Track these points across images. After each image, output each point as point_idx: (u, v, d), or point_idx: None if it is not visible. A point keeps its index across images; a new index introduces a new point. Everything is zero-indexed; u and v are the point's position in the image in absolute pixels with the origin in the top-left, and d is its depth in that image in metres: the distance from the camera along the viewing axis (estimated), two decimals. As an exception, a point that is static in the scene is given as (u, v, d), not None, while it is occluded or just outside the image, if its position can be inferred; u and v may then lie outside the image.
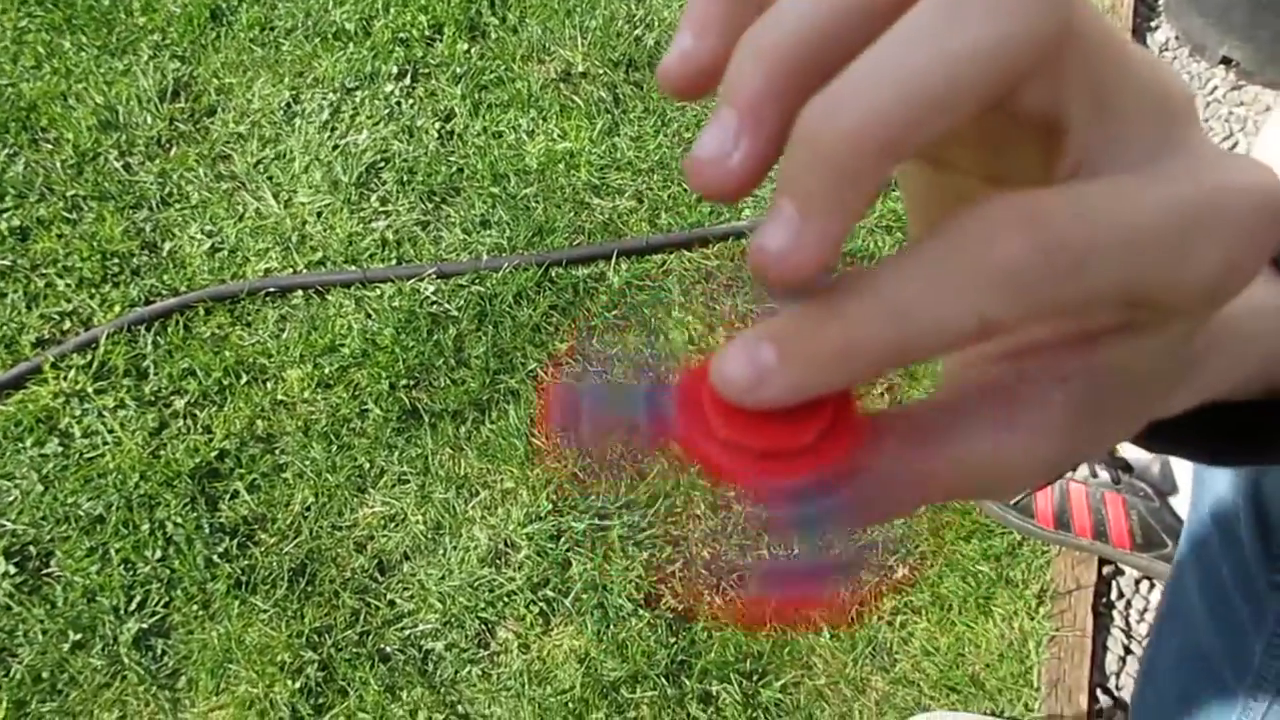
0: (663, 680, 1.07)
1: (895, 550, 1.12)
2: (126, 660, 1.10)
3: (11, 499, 1.18)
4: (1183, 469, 1.04)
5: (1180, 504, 1.02)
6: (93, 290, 1.33)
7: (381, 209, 1.37)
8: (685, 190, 1.36)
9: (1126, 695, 1.04)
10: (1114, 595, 1.10)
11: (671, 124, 1.42)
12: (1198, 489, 0.67)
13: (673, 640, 1.09)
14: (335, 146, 1.41)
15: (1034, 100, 0.18)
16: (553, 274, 1.30)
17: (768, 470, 0.18)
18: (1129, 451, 1.08)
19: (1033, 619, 1.08)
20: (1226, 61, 1.39)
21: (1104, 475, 1.06)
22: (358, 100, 1.46)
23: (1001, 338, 0.22)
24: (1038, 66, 0.17)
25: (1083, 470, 1.07)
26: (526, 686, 1.08)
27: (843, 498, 0.20)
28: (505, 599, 1.12)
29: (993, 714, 1.04)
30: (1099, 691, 1.05)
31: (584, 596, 1.11)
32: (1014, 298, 0.16)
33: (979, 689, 1.05)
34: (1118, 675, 1.06)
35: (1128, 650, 1.07)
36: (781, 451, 0.19)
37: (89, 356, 1.27)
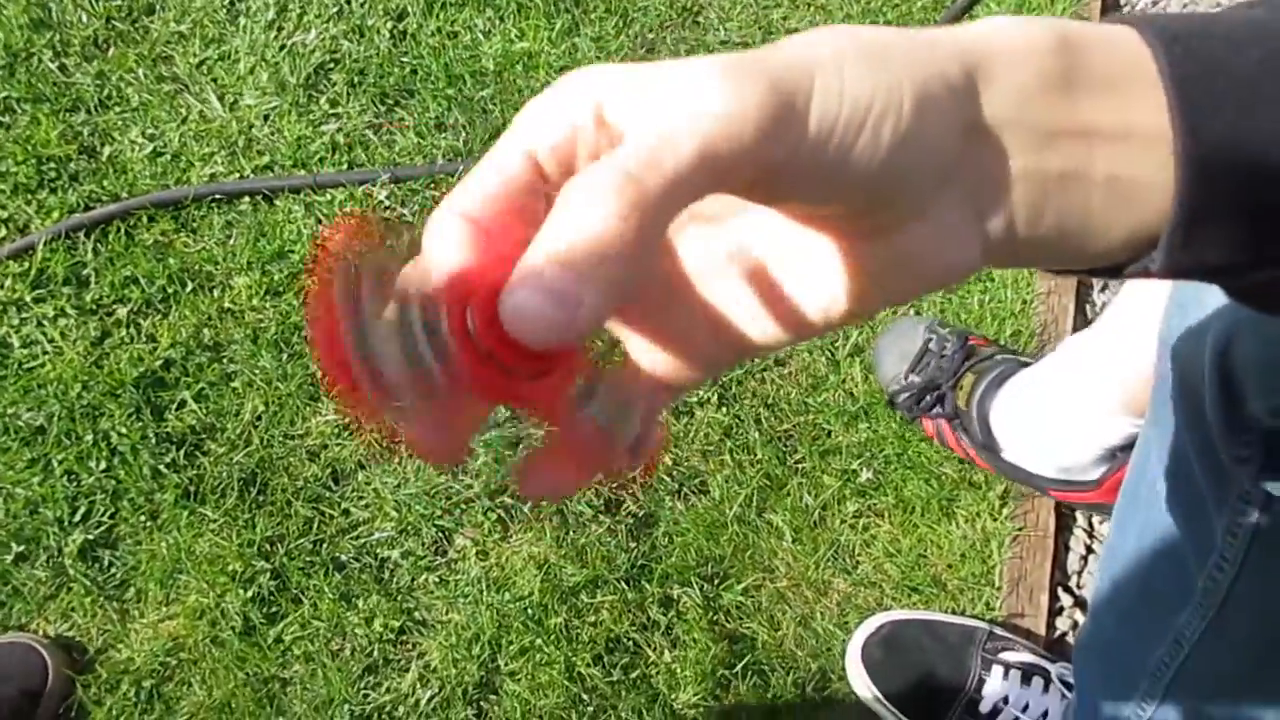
0: (623, 585, 1.05)
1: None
2: (72, 571, 1.07)
3: (-52, 410, 1.14)
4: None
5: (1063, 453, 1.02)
6: (29, 196, 1.27)
7: (331, 111, 1.31)
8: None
9: (1087, 594, 1.04)
10: (1077, 497, 1.10)
11: (634, 24, 1.36)
12: (1161, 361, 0.65)
13: (633, 545, 1.07)
14: (282, 46, 1.35)
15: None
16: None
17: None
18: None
19: (995, 520, 1.07)
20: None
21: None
22: (305, -2, 1.38)
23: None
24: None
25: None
26: (485, 593, 1.06)
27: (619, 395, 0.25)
28: (462, 506, 1.10)
29: (954, 613, 1.03)
30: (1060, 590, 1.05)
31: (543, 503, 1.09)
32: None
33: (940, 589, 1.05)
34: (1079, 574, 1.06)
35: (1089, 550, 1.06)
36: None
37: (26, 264, 1.22)
